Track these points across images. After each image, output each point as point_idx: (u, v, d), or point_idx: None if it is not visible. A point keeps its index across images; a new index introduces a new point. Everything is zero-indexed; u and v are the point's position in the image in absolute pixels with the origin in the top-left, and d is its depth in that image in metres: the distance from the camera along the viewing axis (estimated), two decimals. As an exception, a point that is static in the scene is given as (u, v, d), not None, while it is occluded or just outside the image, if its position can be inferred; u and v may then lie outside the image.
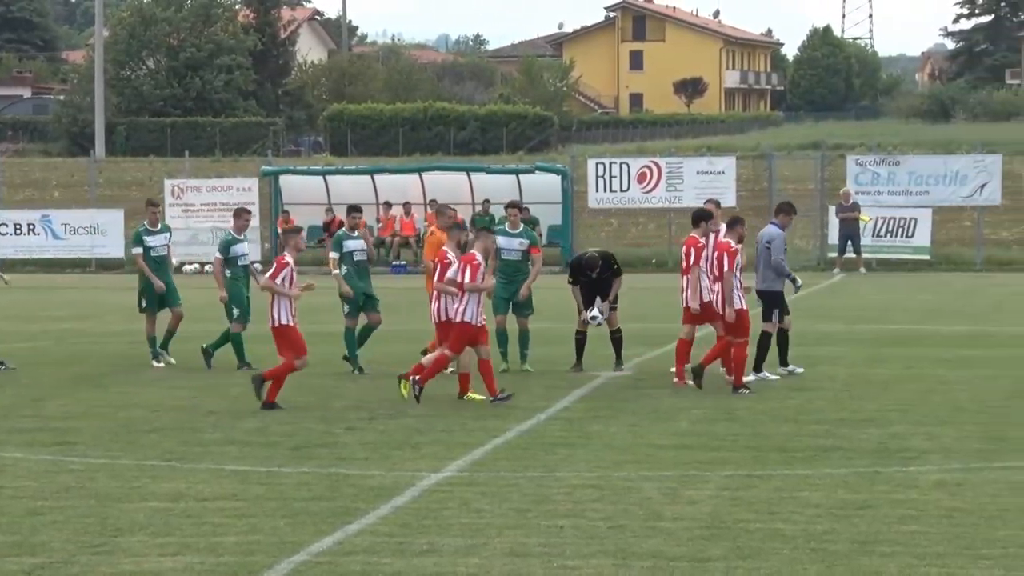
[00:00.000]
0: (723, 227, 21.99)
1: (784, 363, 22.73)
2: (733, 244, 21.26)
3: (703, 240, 21.83)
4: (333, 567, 12.12)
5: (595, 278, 22.85)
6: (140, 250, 25.01)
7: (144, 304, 24.72)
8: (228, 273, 23.92)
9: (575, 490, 14.86)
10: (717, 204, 23.58)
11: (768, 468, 15.87)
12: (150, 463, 16.56)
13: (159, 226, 25.49)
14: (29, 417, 19.88)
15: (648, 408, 19.91)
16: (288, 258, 20.22)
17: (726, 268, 21.00)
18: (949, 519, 13.52)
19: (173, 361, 24.39)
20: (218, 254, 24.24)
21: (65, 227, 49.07)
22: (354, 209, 24.88)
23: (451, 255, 20.62)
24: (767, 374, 22.23)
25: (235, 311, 23.94)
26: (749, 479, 15.34)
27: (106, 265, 47.40)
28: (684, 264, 22.03)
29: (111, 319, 31.05)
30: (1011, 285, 40.91)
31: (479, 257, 20.55)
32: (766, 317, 22.42)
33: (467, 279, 20.06)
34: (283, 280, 19.83)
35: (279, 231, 25.70)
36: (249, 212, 26.72)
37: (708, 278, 21.49)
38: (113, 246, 46.84)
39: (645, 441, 17.52)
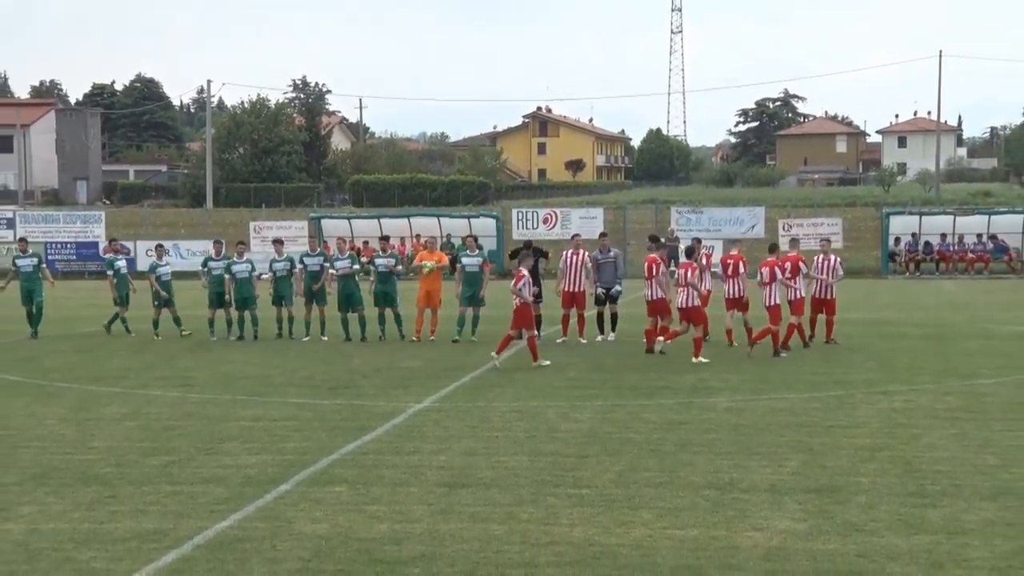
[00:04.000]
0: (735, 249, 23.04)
1: (602, 331, 22.87)
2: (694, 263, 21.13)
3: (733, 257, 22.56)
4: (355, 462, 12.04)
5: (532, 255, 22.12)
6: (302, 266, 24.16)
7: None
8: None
9: (505, 414, 14.81)
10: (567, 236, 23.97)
11: (624, 400, 15.86)
12: (240, 398, 16.41)
13: (312, 250, 24.41)
14: (165, 369, 19.69)
15: (551, 362, 19.84)
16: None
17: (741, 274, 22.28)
18: (735, 431, 13.56)
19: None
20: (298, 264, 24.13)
21: (188, 251, 48.98)
22: (277, 241, 25.04)
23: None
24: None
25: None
26: (613, 407, 15.33)
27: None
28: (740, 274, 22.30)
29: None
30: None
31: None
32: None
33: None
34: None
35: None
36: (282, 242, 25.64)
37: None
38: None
39: (548, 383, 17.48)
